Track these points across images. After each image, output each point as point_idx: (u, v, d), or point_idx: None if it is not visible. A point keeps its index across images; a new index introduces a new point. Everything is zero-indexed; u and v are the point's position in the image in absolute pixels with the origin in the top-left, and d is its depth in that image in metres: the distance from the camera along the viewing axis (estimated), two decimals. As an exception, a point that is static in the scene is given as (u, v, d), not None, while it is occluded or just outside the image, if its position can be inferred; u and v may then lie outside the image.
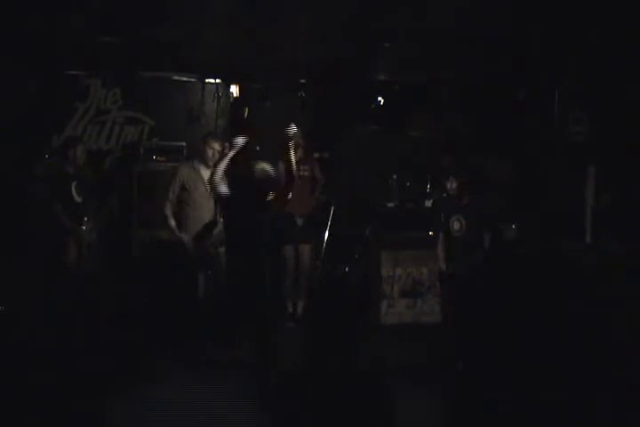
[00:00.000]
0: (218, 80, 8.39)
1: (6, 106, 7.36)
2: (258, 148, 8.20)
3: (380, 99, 8.49)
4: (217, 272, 6.42)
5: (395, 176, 7.85)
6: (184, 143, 7.90)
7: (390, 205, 7.73)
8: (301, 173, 7.20)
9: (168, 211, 6.36)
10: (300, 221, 7.17)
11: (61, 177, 6.68)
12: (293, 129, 7.15)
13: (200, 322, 6.31)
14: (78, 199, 6.69)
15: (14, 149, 7.26)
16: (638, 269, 6.36)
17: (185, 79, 8.32)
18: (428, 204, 7.60)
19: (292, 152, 7.11)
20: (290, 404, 5.08)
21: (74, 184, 6.67)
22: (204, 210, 6.42)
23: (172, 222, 6.34)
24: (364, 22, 7.53)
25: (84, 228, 6.65)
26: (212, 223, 6.36)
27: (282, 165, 7.13)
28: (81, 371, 5.32)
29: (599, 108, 7.67)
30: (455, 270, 6.18)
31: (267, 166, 6.63)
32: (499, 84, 8.18)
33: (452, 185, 6.20)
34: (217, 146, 6.45)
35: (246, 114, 8.45)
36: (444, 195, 7.00)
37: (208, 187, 6.41)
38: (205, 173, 6.46)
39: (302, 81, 8.49)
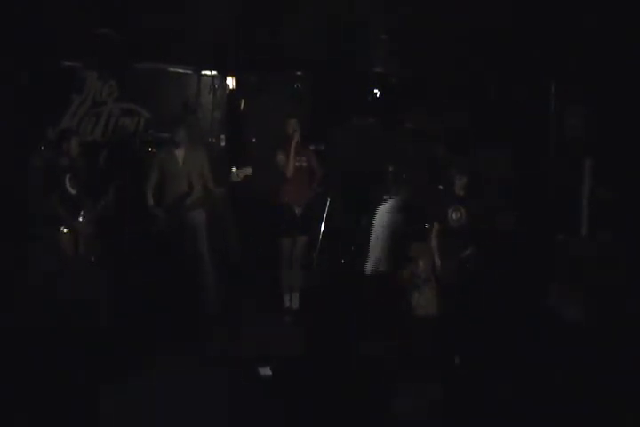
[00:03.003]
0: (214, 72, 8.37)
1: (2, 97, 7.33)
2: (254, 139, 8.23)
3: (376, 91, 8.50)
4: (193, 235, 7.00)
5: (391, 168, 7.87)
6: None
7: (386, 197, 7.73)
8: (297, 163, 7.20)
9: (149, 192, 6.99)
10: (298, 211, 7.18)
11: (56, 169, 6.67)
12: (292, 120, 7.17)
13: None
14: (73, 191, 6.68)
15: (10, 141, 7.23)
16: (635, 261, 6.39)
17: (181, 71, 8.30)
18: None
19: (291, 143, 7.12)
20: (286, 397, 5.09)
21: (68, 176, 6.65)
22: (177, 184, 6.95)
23: (151, 201, 6.98)
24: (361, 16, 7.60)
25: (80, 220, 6.65)
26: (186, 194, 6.90)
27: (280, 156, 7.14)
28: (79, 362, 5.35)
29: (596, 102, 7.69)
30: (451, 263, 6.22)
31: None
32: (497, 80, 8.20)
33: (461, 182, 6.26)
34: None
35: (242, 106, 8.46)
36: (440, 187, 7.03)
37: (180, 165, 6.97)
38: (179, 154, 6.97)
39: (299, 73, 8.49)
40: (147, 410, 4.83)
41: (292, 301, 7.29)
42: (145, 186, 7.03)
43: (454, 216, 6.29)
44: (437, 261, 6.47)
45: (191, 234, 7.03)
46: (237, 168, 6.96)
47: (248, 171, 6.95)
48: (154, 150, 7.74)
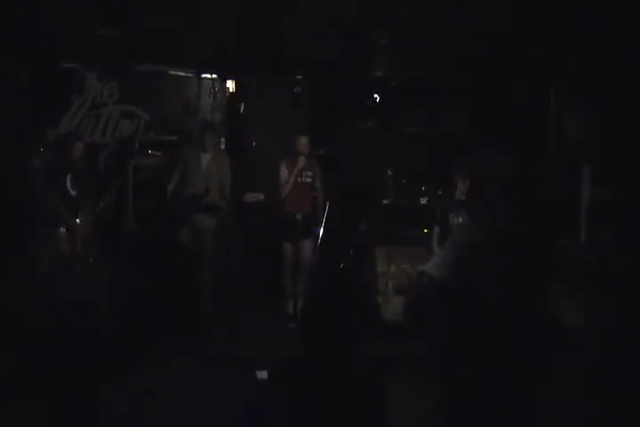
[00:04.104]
0: (214, 75, 8.37)
1: (2, 98, 7.33)
2: (254, 143, 8.24)
3: (376, 95, 8.49)
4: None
5: (390, 173, 7.88)
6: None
7: (386, 201, 7.75)
8: (303, 179, 7.20)
9: (174, 180, 7.17)
10: (299, 217, 7.21)
11: (56, 170, 6.68)
12: (303, 138, 7.17)
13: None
14: (73, 193, 6.70)
15: (9, 142, 7.24)
16: (634, 265, 6.37)
17: (182, 74, 8.29)
18: (423, 201, 7.63)
19: (297, 163, 7.14)
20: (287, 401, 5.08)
21: (69, 177, 6.68)
22: (193, 185, 7.10)
23: (171, 187, 7.16)
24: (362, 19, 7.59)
25: (80, 221, 6.66)
26: (200, 196, 7.05)
27: (284, 171, 7.17)
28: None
29: (596, 103, 7.67)
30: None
31: None
32: (496, 82, 8.18)
33: (464, 183, 6.25)
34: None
35: (242, 109, 8.46)
36: (440, 192, 7.03)
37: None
38: (204, 157, 7.15)
39: (299, 76, 8.48)
40: (147, 410, 4.87)
41: (295, 304, 7.33)
42: (172, 176, 7.21)
43: (456, 222, 6.27)
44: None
45: (198, 236, 7.13)
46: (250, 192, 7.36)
47: (260, 196, 7.36)
48: (158, 154, 7.80)
